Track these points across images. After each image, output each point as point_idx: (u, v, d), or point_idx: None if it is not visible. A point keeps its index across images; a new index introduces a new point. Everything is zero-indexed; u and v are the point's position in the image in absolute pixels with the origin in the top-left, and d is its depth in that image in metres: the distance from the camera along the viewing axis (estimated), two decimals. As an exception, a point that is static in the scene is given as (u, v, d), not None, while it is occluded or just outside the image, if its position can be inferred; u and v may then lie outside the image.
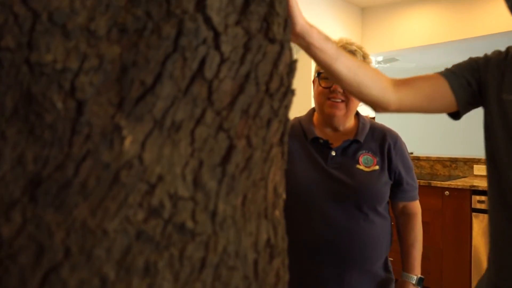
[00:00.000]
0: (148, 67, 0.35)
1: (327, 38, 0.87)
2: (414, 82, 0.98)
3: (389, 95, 0.95)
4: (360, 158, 1.23)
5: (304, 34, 0.82)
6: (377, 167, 1.22)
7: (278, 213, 0.46)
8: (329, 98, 1.21)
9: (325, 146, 1.24)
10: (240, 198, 0.39)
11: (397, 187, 1.28)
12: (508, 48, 0.99)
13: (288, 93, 0.46)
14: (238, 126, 0.39)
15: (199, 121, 0.37)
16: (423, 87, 0.97)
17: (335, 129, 1.26)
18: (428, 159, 3.76)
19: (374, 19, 4.65)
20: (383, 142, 1.25)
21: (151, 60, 0.35)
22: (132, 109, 0.34)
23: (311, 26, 0.83)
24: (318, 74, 1.24)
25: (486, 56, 1.00)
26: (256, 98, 0.41)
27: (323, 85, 1.22)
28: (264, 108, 0.42)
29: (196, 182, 0.36)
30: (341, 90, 1.18)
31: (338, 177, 1.19)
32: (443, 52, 6.09)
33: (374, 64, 5.14)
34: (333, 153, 1.22)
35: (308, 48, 0.85)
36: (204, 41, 0.37)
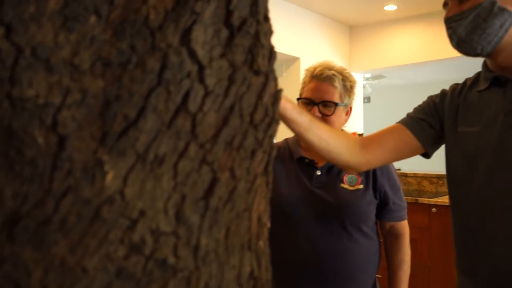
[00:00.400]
0: (131, 101, 0.35)
1: (300, 112, 0.97)
2: (379, 139, 1.07)
3: (358, 157, 1.04)
4: (344, 177, 1.24)
5: (280, 108, 0.90)
6: (361, 186, 1.23)
7: (262, 243, 0.46)
8: None
9: (311, 165, 1.25)
10: (223, 231, 0.39)
11: (383, 206, 1.28)
12: (466, 80, 1.05)
13: (272, 123, 0.46)
14: (222, 158, 0.39)
15: (182, 154, 0.37)
16: (388, 143, 1.06)
17: None
18: (415, 176, 3.80)
19: (362, 37, 4.72)
20: None
21: (135, 93, 0.35)
22: (114, 143, 0.34)
23: (285, 100, 0.92)
24: (298, 99, 1.26)
25: (442, 92, 1.08)
26: (240, 129, 0.41)
27: (303, 109, 1.24)
28: (248, 139, 0.42)
29: (179, 217, 0.36)
30: (319, 115, 1.21)
31: (322, 196, 1.20)
32: (430, 69, 6.20)
33: (362, 81, 5.19)
34: (318, 173, 1.23)
35: (283, 121, 0.95)
36: (189, 75, 0.37)
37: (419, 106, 1.10)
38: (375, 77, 5.83)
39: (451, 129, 1.02)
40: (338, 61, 4.62)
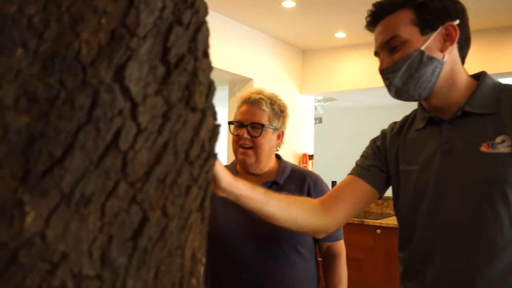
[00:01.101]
0: (58, 138, 0.34)
1: (253, 187, 0.93)
2: (338, 195, 1.07)
3: (324, 219, 1.02)
4: None
5: (232, 188, 0.88)
6: None
7: (195, 280, 0.45)
8: (240, 145, 1.25)
9: None
10: (153, 272, 0.38)
11: None
12: (405, 118, 1.10)
13: (209, 158, 0.46)
14: (154, 196, 0.39)
15: (111, 194, 0.36)
16: (347, 197, 1.06)
17: (257, 174, 1.31)
18: (362, 197, 3.89)
19: (313, 61, 4.85)
20: (303, 183, 1.30)
21: (62, 131, 0.34)
22: (37, 182, 0.33)
23: (235, 179, 0.90)
24: (230, 122, 1.29)
25: (382, 133, 1.12)
26: (174, 166, 0.41)
27: (234, 133, 1.27)
28: (183, 176, 0.42)
29: (104, 259, 0.34)
30: (248, 137, 1.24)
31: (258, 219, 1.21)
32: (378, 94, 6.46)
33: (313, 102, 5.32)
34: None
35: (238, 200, 0.91)
36: (120, 112, 0.37)
37: (365, 152, 1.12)
38: (326, 99, 5.99)
39: (394, 168, 1.05)
40: (290, 83, 4.71)
